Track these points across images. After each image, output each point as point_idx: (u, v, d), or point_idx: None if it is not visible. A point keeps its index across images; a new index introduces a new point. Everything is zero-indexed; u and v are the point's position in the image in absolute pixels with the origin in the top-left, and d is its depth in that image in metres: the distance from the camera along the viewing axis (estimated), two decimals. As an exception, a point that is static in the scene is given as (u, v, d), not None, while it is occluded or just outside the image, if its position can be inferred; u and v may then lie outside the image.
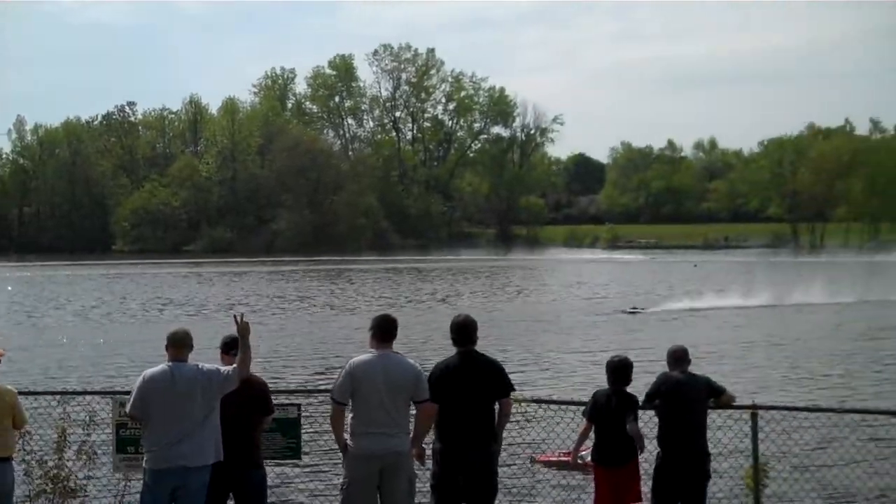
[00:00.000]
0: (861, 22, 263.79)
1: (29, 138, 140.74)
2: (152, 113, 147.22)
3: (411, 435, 8.43)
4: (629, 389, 9.28)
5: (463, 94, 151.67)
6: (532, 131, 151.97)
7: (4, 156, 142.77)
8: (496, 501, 8.96)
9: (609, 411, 9.13)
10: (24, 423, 8.96)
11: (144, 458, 8.28)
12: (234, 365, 8.19)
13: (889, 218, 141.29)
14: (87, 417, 10.74)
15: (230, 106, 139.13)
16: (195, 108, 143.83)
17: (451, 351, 8.86)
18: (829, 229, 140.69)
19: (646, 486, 9.25)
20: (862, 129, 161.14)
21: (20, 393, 9.01)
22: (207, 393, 8.06)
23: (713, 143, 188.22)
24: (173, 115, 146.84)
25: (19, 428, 8.92)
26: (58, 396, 10.97)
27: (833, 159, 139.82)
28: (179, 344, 8.24)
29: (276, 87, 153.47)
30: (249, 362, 8.21)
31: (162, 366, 8.24)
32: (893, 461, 12.09)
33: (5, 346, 10.84)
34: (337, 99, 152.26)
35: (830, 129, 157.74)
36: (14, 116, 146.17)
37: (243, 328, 8.08)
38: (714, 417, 9.55)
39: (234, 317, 8.23)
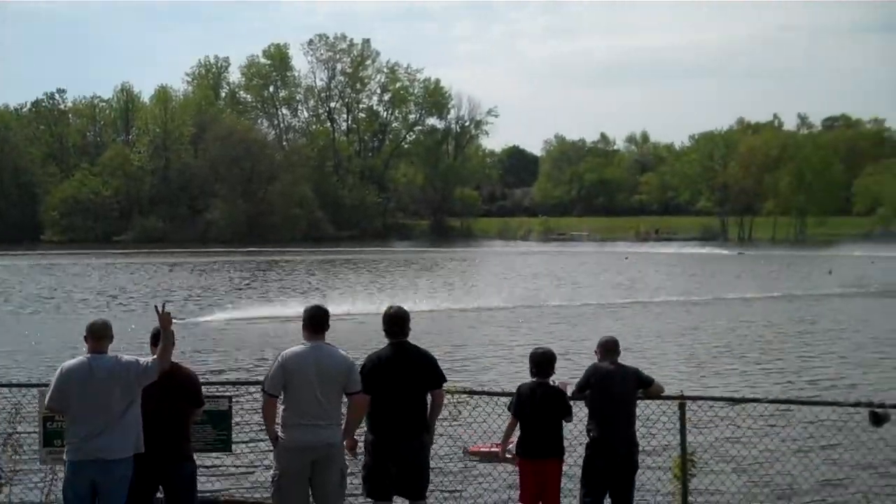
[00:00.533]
0: (791, 18, 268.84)
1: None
2: (82, 101, 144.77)
3: (343, 426, 8.42)
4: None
5: (398, 85, 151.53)
6: (467, 123, 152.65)
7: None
8: (427, 492, 8.98)
9: (533, 404, 9.15)
10: None
11: (65, 451, 8.16)
12: (154, 356, 8.07)
13: (815, 212, 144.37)
14: (14, 410, 10.57)
15: (163, 94, 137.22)
16: (127, 97, 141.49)
17: (384, 343, 8.85)
18: (757, 222, 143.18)
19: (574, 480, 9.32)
20: (790, 124, 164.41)
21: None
22: (126, 385, 7.92)
23: (645, 137, 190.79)
24: (104, 104, 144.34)
25: None
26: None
27: (762, 154, 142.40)
28: (98, 335, 8.09)
29: (209, 75, 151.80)
30: (170, 353, 8.07)
31: (80, 358, 8.09)
32: (817, 451, 12.37)
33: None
34: (271, 89, 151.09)
35: (759, 123, 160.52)
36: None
37: (164, 318, 7.94)
38: (643, 408, 9.62)
39: (155, 307, 8.12)
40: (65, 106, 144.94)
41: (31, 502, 10.40)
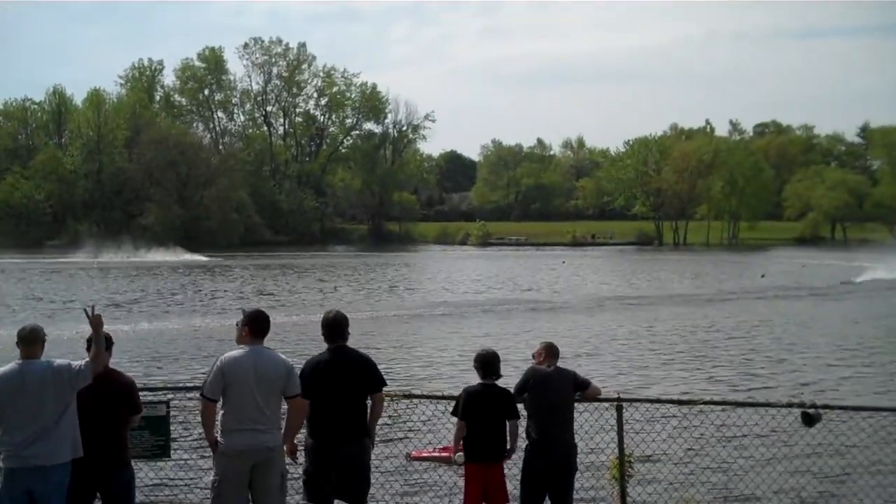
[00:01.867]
0: (723, 24, 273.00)
1: None
2: (13, 103, 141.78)
3: (283, 431, 8.38)
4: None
5: (335, 89, 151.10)
6: (404, 128, 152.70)
7: None
8: (368, 497, 8.97)
9: (480, 407, 9.17)
10: None
11: (1, 458, 8.02)
12: (87, 359, 7.96)
13: (747, 216, 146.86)
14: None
15: (96, 97, 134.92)
16: (59, 99, 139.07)
17: (323, 347, 8.83)
18: (691, 227, 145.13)
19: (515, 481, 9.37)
20: (722, 130, 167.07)
21: None
22: (59, 389, 7.82)
23: (581, 142, 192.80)
24: (36, 106, 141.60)
25: None
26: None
27: (695, 159, 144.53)
28: (29, 341, 7.96)
29: (143, 78, 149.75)
30: (103, 355, 7.99)
31: (11, 364, 7.96)
32: (752, 450, 12.58)
33: None
34: (206, 92, 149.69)
35: (692, 129, 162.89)
36: None
37: (95, 321, 7.86)
38: (581, 410, 9.70)
39: (85, 310, 8.02)
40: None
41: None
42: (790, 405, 9.46)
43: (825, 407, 9.40)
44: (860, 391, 21.44)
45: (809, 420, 9.15)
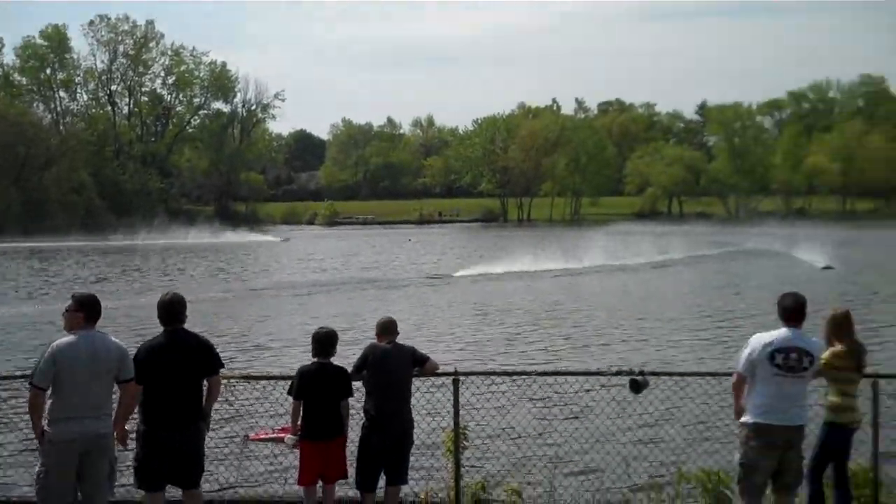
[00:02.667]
0: (571, 6, 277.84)
1: None
2: None
3: (113, 417, 8.26)
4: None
5: (183, 68, 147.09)
6: (253, 107, 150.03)
7: None
8: (203, 481, 8.96)
9: (315, 386, 9.21)
10: None
11: None
12: None
13: (589, 193, 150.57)
14: None
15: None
16: None
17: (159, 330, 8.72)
18: (535, 204, 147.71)
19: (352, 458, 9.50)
20: (568, 108, 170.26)
21: None
22: None
23: (430, 121, 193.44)
24: None
25: None
26: None
27: (541, 137, 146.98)
28: None
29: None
30: None
31: None
32: (583, 418, 13.02)
33: None
34: (48, 71, 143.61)
35: (539, 108, 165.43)
36: None
37: None
38: (419, 385, 9.87)
39: None
40: None
41: None
42: (619, 373, 9.76)
43: (652, 374, 9.79)
44: (687, 358, 22.45)
45: (637, 387, 9.51)
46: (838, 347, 8.70)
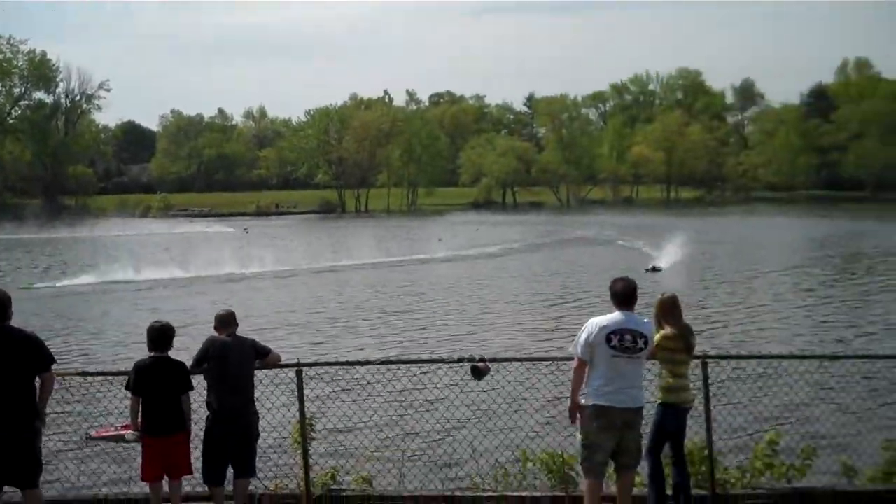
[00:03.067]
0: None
1: None
2: None
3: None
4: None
5: (0, 57, 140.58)
6: (77, 97, 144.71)
7: None
8: (42, 482, 8.70)
9: (152, 380, 9.05)
10: None
11: None
12: None
13: (425, 183, 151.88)
14: None
15: None
16: None
17: None
18: (372, 194, 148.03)
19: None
20: (399, 100, 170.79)
21: None
22: None
23: (263, 112, 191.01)
24: None
25: None
26: None
27: (374, 128, 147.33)
28: None
29: None
30: None
31: None
32: (428, 405, 13.15)
33: None
34: None
35: (371, 99, 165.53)
36: None
37: None
38: (261, 377, 9.80)
39: None
40: None
41: None
42: (461, 360, 9.90)
43: (493, 360, 9.96)
44: (530, 344, 22.97)
45: (478, 373, 9.65)
46: (668, 330, 8.98)
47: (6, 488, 8.50)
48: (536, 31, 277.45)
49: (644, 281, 35.38)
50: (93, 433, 12.93)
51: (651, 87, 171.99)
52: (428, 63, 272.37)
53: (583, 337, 8.53)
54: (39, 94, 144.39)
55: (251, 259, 50.16)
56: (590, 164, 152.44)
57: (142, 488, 9.57)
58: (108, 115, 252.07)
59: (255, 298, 34.81)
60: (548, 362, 10.62)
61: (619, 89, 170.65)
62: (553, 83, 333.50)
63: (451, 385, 10.85)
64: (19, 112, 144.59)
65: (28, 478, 8.43)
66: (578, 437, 8.66)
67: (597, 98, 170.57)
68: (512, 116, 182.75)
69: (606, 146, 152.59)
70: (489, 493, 9.65)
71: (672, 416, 8.99)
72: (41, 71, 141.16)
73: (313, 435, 10.00)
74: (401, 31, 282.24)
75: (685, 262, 44.20)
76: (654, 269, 40.88)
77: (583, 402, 8.54)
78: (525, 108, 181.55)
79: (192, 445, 9.32)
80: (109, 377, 10.32)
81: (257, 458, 9.58)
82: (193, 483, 9.59)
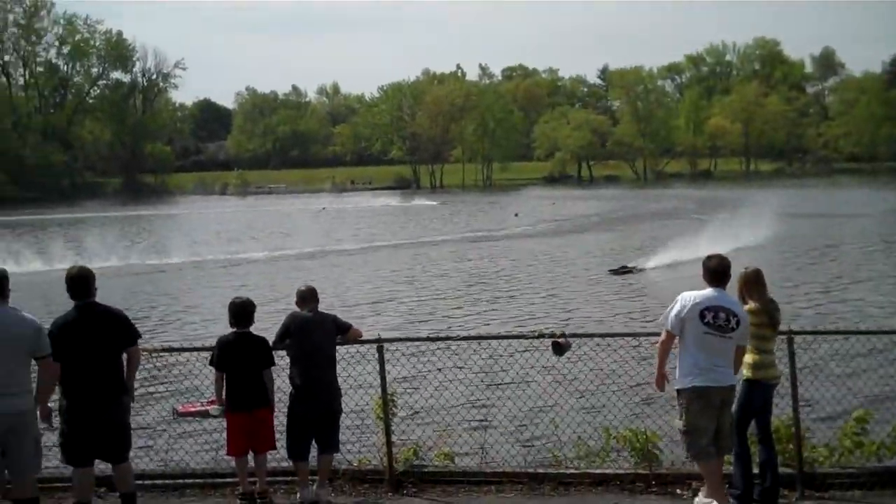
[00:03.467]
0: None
1: None
2: None
3: (34, 394, 8.08)
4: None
5: (78, 37, 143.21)
6: (154, 76, 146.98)
7: None
8: (133, 455, 8.85)
9: (235, 356, 9.14)
10: None
11: None
12: None
13: (499, 158, 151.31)
14: None
15: None
16: None
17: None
18: (446, 170, 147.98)
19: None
20: (472, 74, 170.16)
21: None
22: None
23: (336, 89, 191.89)
24: None
25: None
26: None
27: (447, 103, 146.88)
28: None
29: None
30: None
31: None
32: (510, 381, 13.12)
33: None
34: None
35: (444, 74, 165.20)
36: None
37: None
38: (343, 353, 9.83)
39: None
40: None
41: None
42: (541, 335, 9.82)
43: (573, 335, 9.87)
44: (605, 318, 22.79)
45: (559, 349, 9.58)
46: (752, 305, 8.73)
47: (97, 462, 8.64)
48: (610, 1, 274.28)
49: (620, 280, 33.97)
50: (179, 408, 13.28)
51: (728, 57, 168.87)
52: (500, 36, 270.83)
53: (675, 310, 8.31)
54: (117, 74, 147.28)
55: (332, 235, 50.50)
56: (666, 136, 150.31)
57: (228, 462, 9.69)
58: (185, 94, 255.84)
59: (337, 275, 35.04)
60: (629, 338, 10.48)
61: (694, 60, 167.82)
62: (627, 55, 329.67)
63: (532, 361, 10.76)
64: (98, 92, 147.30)
65: (118, 452, 8.57)
66: (678, 423, 8.45)
67: (672, 70, 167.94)
68: (586, 89, 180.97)
69: (683, 118, 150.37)
70: (572, 470, 9.59)
71: (759, 393, 8.77)
72: (118, 51, 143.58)
73: (395, 411, 10.01)
74: (471, 4, 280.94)
75: (771, 236, 43.35)
76: (624, 270, 33.68)
77: (678, 386, 8.35)
78: (599, 81, 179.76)
79: (276, 421, 9.40)
80: (195, 352, 10.46)
81: (340, 434, 9.61)
82: (279, 458, 9.67)
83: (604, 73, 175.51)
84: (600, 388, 11.09)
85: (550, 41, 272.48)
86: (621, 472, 9.50)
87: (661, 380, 8.49)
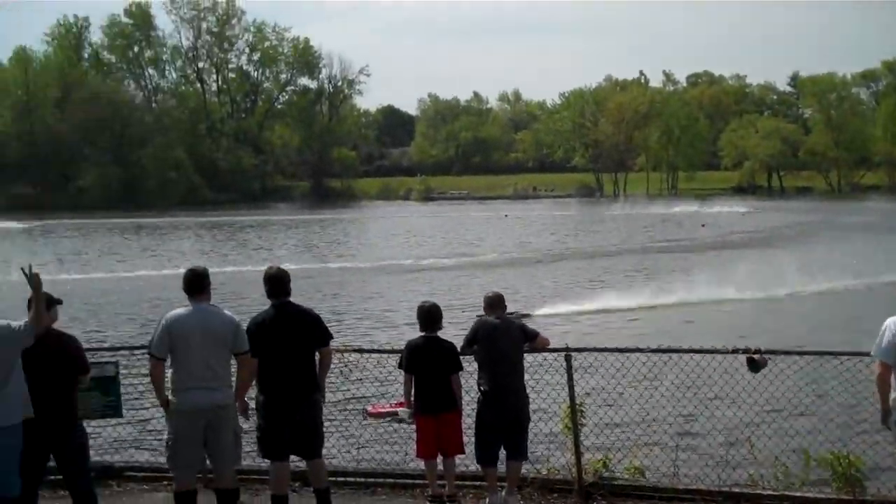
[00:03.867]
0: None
1: None
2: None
3: (233, 388, 8.39)
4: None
5: (267, 44, 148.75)
6: (339, 83, 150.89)
7: None
8: (323, 450, 9.03)
9: (423, 359, 9.21)
10: None
11: None
12: (26, 319, 7.75)
13: (684, 167, 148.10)
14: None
15: (22, 56, 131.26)
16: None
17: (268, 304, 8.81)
18: (630, 178, 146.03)
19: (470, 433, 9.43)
20: (655, 81, 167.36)
21: None
22: (4, 350, 7.66)
23: (517, 95, 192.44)
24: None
25: None
26: None
27: (630, 110, 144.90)
28: None
29: (69, 35, 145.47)
30: (43, 316, 7.78)
31: None
32: (701, 397, 12.74)
33: None
34: (136, 49, 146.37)
35: (626, 80, 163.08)
36: None
37: (34, 280, 7.64)
38: (531, 361, 9.76)
39: (22, 269, 7.75)
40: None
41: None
42: (735, 351, 9.56)
43: (770, 352, 9.53)
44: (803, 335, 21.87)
45: (755, 366, 9.28)
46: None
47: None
48: (799, 6, 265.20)
49: None
50: (369, 408, 13.52)
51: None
52: (684, 43, 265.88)
53: (885, 338, 7.71)
54: (304, 80, 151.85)
55: (518, 241, 50.52)
56: (862, 146, 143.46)
57: (417, 464, 9.79)
58: (369, 100, 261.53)
59: (524, 281, 35.03)
60: (830, 357, 10.04)
61: (892, 66, 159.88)
62: (819, 61, 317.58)
63: (726, 377, 10.45)
64: (286, 97, 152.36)
65: (311, 448, 8.80)
66: None
67: (868, 77, 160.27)
68: (775, 97, 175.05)
69: (880, 128, 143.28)
70: (769, 492, 9.24)
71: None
72: (305, 57, 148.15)
73: (583, 421, 9.90)
74: (655, 9, 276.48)
75: None
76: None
77: None
78: (789, 88, 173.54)
79: (464, 425, 9.41)
80: (385, 355, 10.61)
81: (528, 441, 9.54)
82: (468, 462, 9.69)
83: (794, 80, 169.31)
84: (798, 408, 10.66)
85: (736, 47, 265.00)
86: (822, 496, 9.09)
87: (887, 416, 7.88)
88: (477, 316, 9.67)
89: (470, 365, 9.51)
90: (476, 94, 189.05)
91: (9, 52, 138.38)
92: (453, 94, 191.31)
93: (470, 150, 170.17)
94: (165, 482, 9.86)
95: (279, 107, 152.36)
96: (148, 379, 8.34)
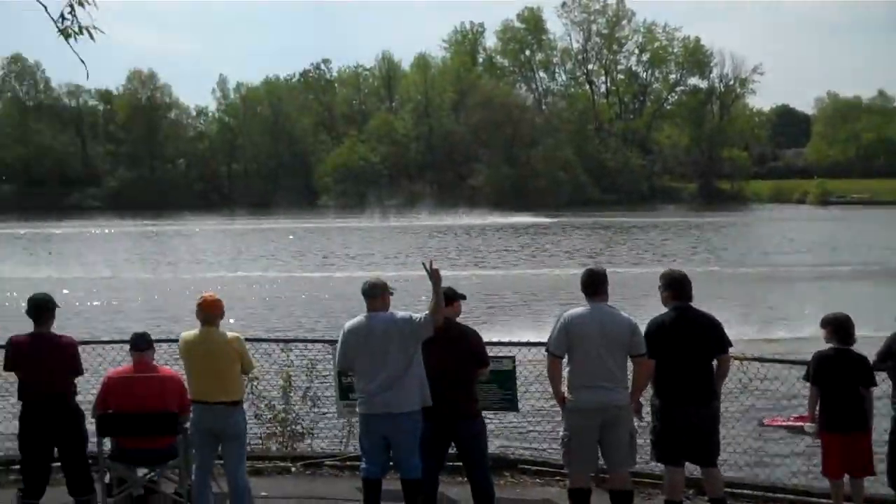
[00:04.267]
0: None
1: (232, 97, 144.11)
2: (347, 70, 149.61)
3: (629, 389, 8.38)
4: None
5: (656, 44, 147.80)
6: (731, 82, 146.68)
7: (211, 114, 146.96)
8: (719, 462, 8.83)
9: (833, 372, 8.65)
10: (251, 368, 9.14)
11: (357, 404, 8.54)
12: (427, 312, 8.17)
13: None
14: (309, 364, 11.02)
15: (422, 62, 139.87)
16: (388, 65, 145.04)
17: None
18: None
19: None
20: None
21: (246, 339, 9.14)
22: (402, 341, 8.13)
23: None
24: (367, 72, 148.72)
25: (247, 373, 9.08)
26: (281, 344, 11.28)
27: None
28: (371, 295, 8.36)
29: (465, 42, 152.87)
30: (442, 310, 8.18)
31: (359, 317, 8.39)
32: None
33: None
34: (527, 53, 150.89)
35: None
36: (217, 76, 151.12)
37: (434, 275, 8.03)
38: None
39: (423, 264, 8.17)
40: (330, 75, 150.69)
41: (332, 452, 10.88)
42: None
43: None
44: None
45: None
46: None
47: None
48: None
49: None
50: (766, 420, 13.00)
51: None
52: None
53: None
54: (694, 80, 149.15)
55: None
56: None
57: (822, 481, 9.26)
58: (763, 99, 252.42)
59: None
60: None
61: None
62: None
63: None
64: (675, 98, 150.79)
65: (707, 456, 8.65)
66: None
67: None
68: None
69: None
70: None
71: None
72: (695, 57, 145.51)
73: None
74: None
75: None
76: None
77: None
78: None
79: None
80: (786, 364, 10.12)
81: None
82: (877, 485, 9.01)
83: None
84: None
85: None
86: None
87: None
88: (893, 333, 8.87)
89: (884, 381, 8.78)
90: (881, 93, 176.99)
91: (410, 58, 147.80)
92: (854, 93, 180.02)
93: (873, 150, 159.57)
94: (558, 477, 10.00)
95: (668, 107, 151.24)
96: (538, 373, 8.45)
